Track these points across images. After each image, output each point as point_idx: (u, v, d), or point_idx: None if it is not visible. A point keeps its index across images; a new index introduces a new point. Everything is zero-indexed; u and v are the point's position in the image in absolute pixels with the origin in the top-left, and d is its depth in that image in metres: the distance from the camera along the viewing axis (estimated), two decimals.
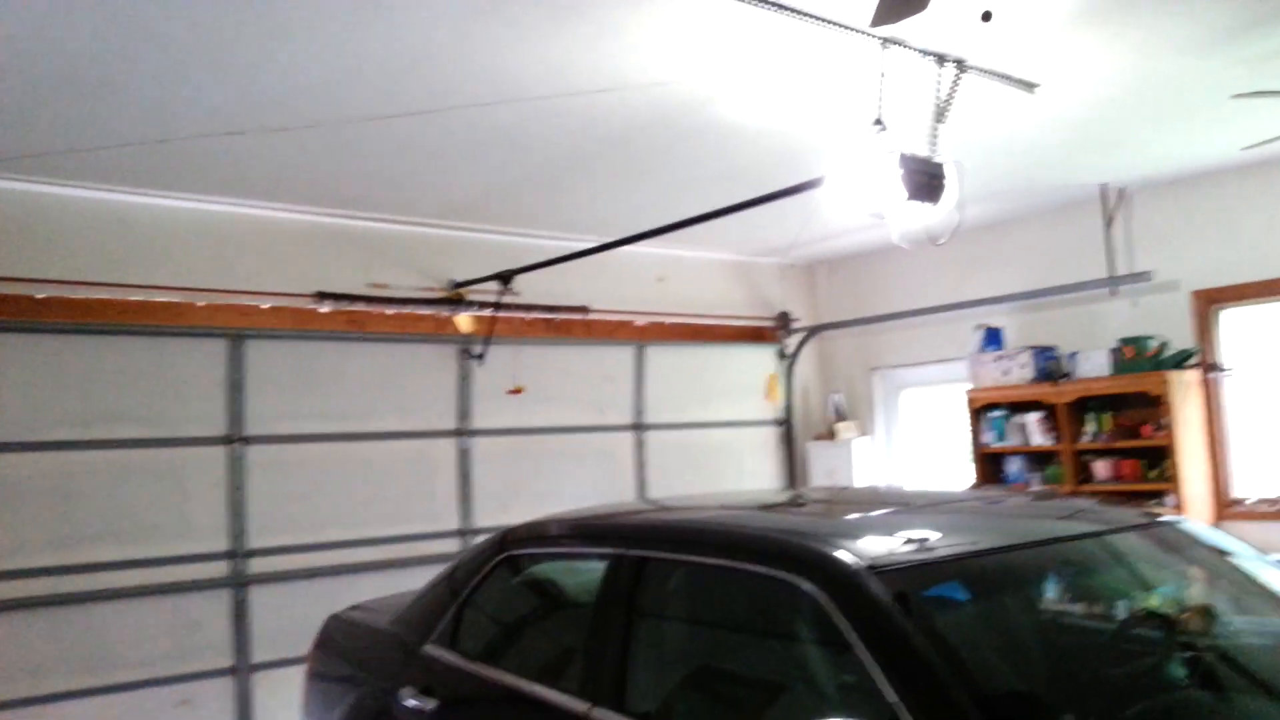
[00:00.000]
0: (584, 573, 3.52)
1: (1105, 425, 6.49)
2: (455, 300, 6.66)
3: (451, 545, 6.55)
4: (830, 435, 8.41)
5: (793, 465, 8.44)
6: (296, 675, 5.60)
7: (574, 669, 3.09)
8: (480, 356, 6.59)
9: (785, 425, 8.43)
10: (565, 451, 7.15)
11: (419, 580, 6.20)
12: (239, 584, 5.75)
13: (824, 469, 8.35)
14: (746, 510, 3.76)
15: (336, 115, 4.52)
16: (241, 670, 5.72)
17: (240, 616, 5.73)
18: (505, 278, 6.25)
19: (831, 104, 4.67)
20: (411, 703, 3.59)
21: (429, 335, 6.58)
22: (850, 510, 3.60)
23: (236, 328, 5.77)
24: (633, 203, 6.28)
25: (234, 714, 5.69)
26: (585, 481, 7.19)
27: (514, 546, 3.74)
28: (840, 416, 8.50)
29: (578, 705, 2.95)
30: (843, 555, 2.53)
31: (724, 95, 4.52)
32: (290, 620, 5.80)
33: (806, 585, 2.50)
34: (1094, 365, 6.55)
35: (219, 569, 5.72)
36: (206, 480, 5.72)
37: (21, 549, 5.13)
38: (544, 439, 7.05)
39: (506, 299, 6.56)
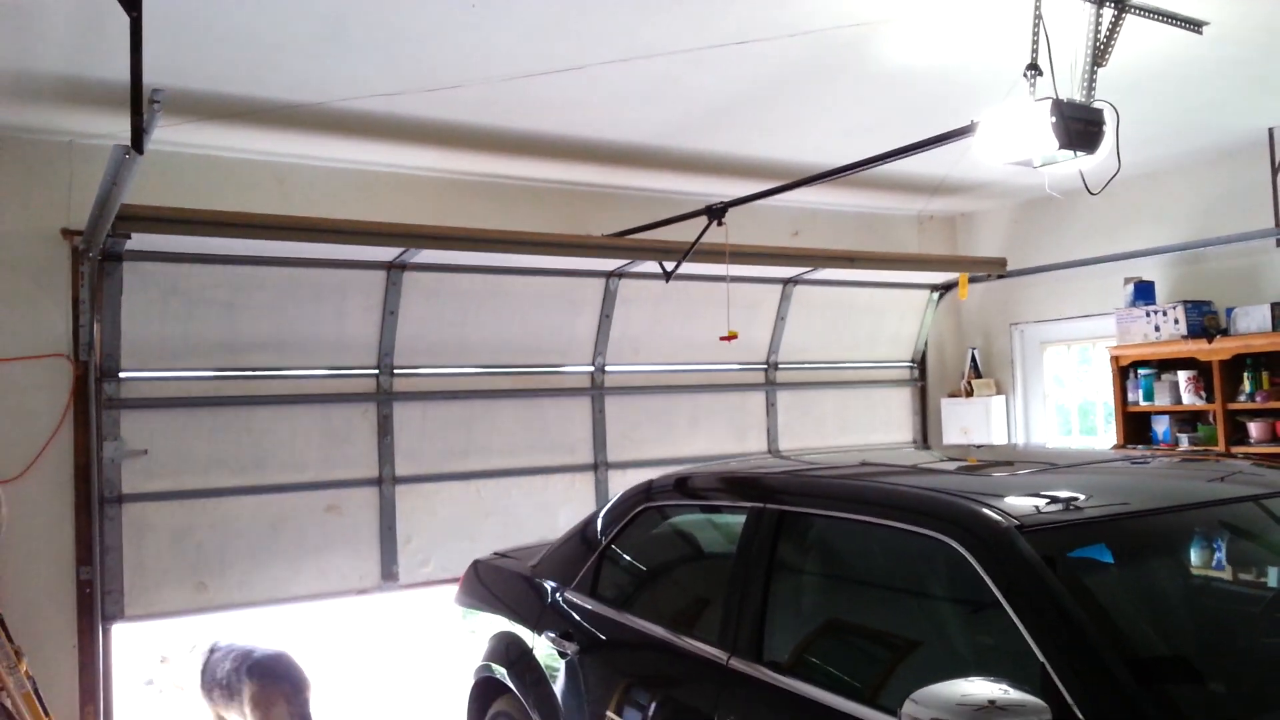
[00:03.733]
0: (724, 526, 3.57)
1: (1263, 384, 6.17)
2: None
3: (583, 380, 6.74)
4: (966, 392, 8.23)
5: (925, 420, 8.28)
6: (436, 490, 6.12)
7: (713, 619, 3.14)
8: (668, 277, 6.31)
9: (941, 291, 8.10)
10: (707, 298, 6.87)
11: (551, 410, 6.58)
12: (384, 398, 6.00)
13: (958, 427, 8.18)
14: (889, 465, 3.74)
15: (488, 76, 4.62)
16: (386, 480, 6.00)
17: (385, 432, 6.00)
18: (717, 212, 5.69)
19: (986, 48, 4.51)
20: (552, 646, 3.72)
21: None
22: (995, 468, 3.54)
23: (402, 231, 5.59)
24: (773, 153, 6.21)
25: (378, 523, 5.98)
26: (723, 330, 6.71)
27: (655, 498, 3.81)
28: (977, 373, 8.30)
29: (717, 654, 3.01)
30: (990, 514, 2.50)
31: (874, 39, 4.42)
32: (430, 438, 6.13)
33: (953, 543, 2.48)
34: (1254, 321, 6.22)
35: (367, 384, 5.99)
36: (364, 302, 5.90)
37: (193, 352, 5.45)
38: (689, 285, 6.76)
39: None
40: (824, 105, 5.37)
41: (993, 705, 2.01)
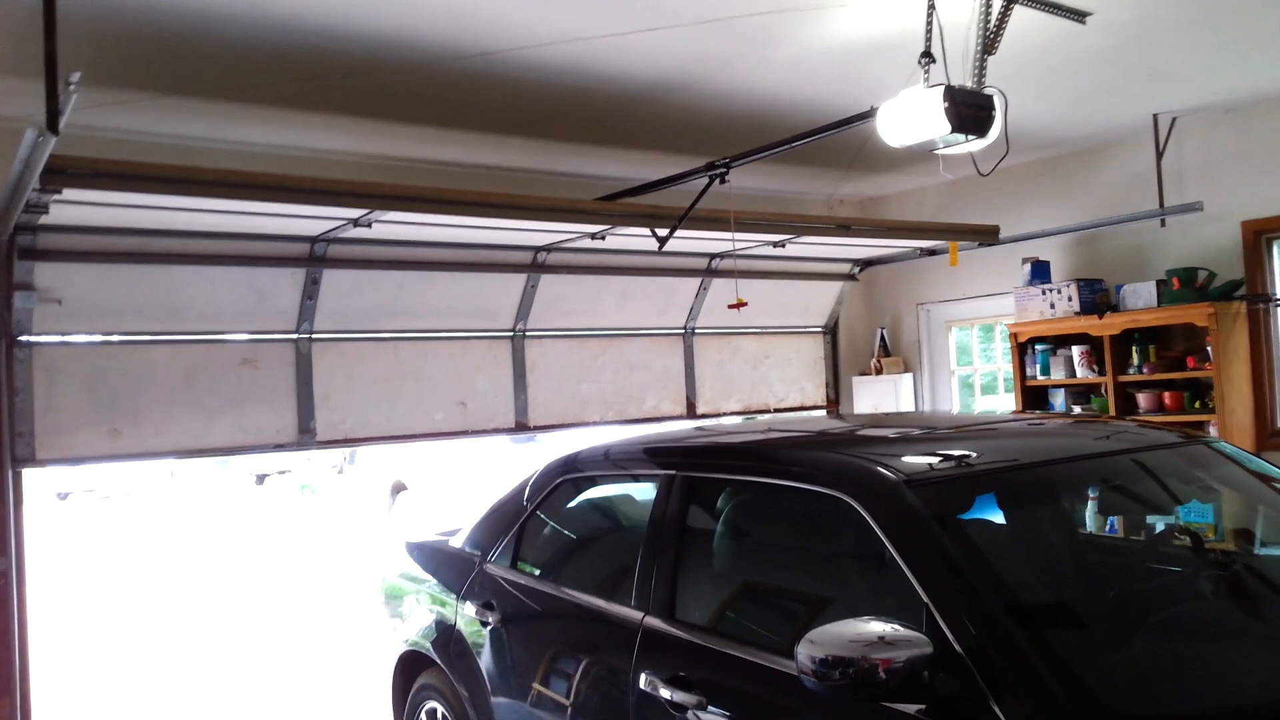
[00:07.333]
0: (636, 494, 3.72)
1: (1150, 357, 6.52)
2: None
3: (524, 257, 6.61)
4: (876, 370, 8.51)
5: (838, 390, 8.53)
6: (355, 350, 6.09)
7: (628, 583, 3.28)
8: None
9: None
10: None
11: (484, 284, 6.44)
12: (315, 266, 5.84)
13: (869, 402, 8.46)
14: (790, 432, 3.92)
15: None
16: (303, 336, 5.93)
17: (310, 295, 5.87)
18: (719, 171, 5.57)
19: (883, 36, 4.71)
20: (475, 617, 3.83)
21: None
22: (890, 430, 3.74)
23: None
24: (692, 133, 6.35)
25: (294, 379, 5.92)
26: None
27: (572, 470, 3.94)
28: (886, 351, 8.59)
29: (631, 615, 3.15)
30: (881, 470, 2.68)
31: (785, 24, 4.58)
32: (356, 299, 6.03)
33: (848, 498, 2.65)
34: (1141, 298, 6.57)
35: (300, 249, 5.78)
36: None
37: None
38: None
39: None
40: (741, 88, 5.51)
41: (881, 641, 2.18)
